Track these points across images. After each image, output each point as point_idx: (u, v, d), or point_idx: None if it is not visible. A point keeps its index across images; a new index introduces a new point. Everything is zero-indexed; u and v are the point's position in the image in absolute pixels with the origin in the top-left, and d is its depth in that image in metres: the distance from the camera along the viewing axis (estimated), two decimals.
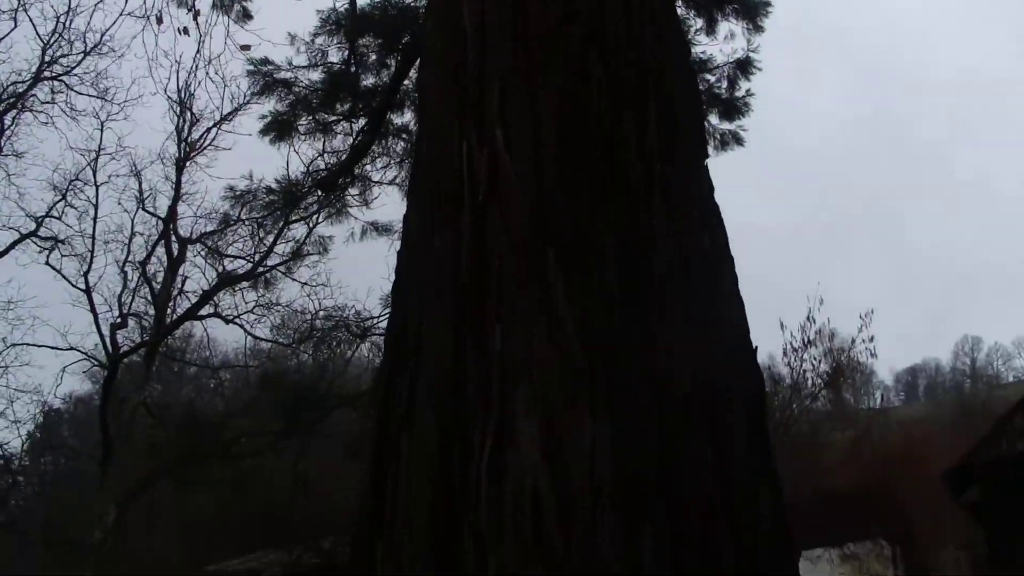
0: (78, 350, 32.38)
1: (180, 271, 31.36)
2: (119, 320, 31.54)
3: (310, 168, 19.91)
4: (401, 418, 6.61)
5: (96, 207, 33.00)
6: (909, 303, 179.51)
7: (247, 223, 23.53)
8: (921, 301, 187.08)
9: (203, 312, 31.98)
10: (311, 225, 27.23)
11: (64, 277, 32.15)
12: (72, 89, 35.70)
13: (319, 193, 19.77)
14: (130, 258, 32.37)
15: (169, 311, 31.17)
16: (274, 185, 20.00)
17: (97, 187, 33.48)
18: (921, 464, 41.12)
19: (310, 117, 19.97)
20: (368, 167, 20.79)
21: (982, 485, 33.52)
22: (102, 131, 40.10)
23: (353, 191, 21.28)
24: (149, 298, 31.46)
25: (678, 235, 6.70)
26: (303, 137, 19.89)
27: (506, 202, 6.69)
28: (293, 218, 22.57)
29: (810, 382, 25.26)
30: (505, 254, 6.51)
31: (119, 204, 37.17)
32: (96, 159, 34.60)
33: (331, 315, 26.51)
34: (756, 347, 7.10)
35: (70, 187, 33.50)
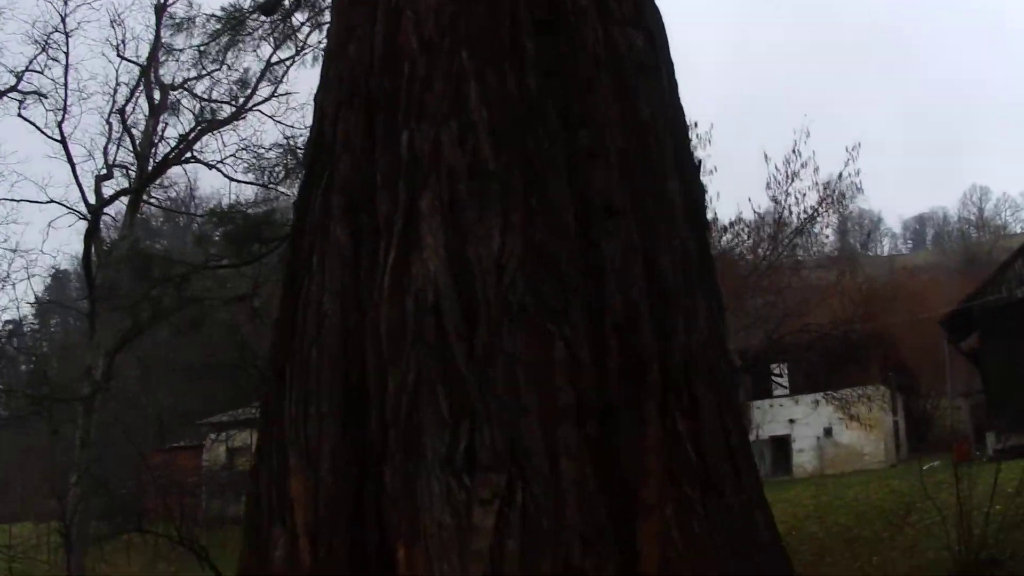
0: (59, 203, 31.82)
1: (161, 118, 30.80)
2: (104, 172, 31.13)
3: None
4: (314, 230, 6.17)
5: (67, 55, 32.15)
6: (918, 150, 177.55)
7: (199, 50, 22.60)
8: (930, 148, 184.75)
9: (185, 158, 31.71)
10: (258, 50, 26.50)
11: (39, 128, 31.42)
12: None
13: (263, 18, 18.94)
14: (115, 108, 31.89)
15: (152, 159, 30.72)
16: (218, 12, 19.18)
17: (67, 34, 32.58)
18: (922, 310, 40.92)
19: None
20: None
21: (981, 331, 33.38)
22: None
23: (300, 16, 20.47)
24: (130, 147, 31.05)
25: (607, 32, 6.13)
26: None
27: (419, 1, 6.14)
28: (240, 45, 21.59)
29: (795, 216, 24.64)
30: (417, 56, 5.97)
31: (102, 55, 35.96)
32: (66, 3, 33.63)
33: (279, 144, 25.98)
34: (700, 161, 6.61)
35: (49, 39, 32.52)
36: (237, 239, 18.08)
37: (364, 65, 6.26)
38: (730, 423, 5.89)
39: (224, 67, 26.20)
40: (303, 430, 5.73)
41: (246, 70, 28.06)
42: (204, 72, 27.59)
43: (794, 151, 25.35)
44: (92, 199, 29.80)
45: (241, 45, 19.60)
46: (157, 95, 30.40)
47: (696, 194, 6.50)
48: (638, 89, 6.14)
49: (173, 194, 37.09)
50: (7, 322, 44.74)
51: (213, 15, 19.12)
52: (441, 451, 5.06)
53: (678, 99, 6.62)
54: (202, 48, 20.40)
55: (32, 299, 43.54)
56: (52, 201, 31.11)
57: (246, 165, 29.22)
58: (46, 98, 31.46)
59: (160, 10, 29.40)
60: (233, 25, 18.56)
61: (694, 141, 24.07)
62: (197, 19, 20.18)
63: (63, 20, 32.02)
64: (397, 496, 5.26)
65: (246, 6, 18.99)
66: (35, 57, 31.95)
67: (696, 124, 25.09)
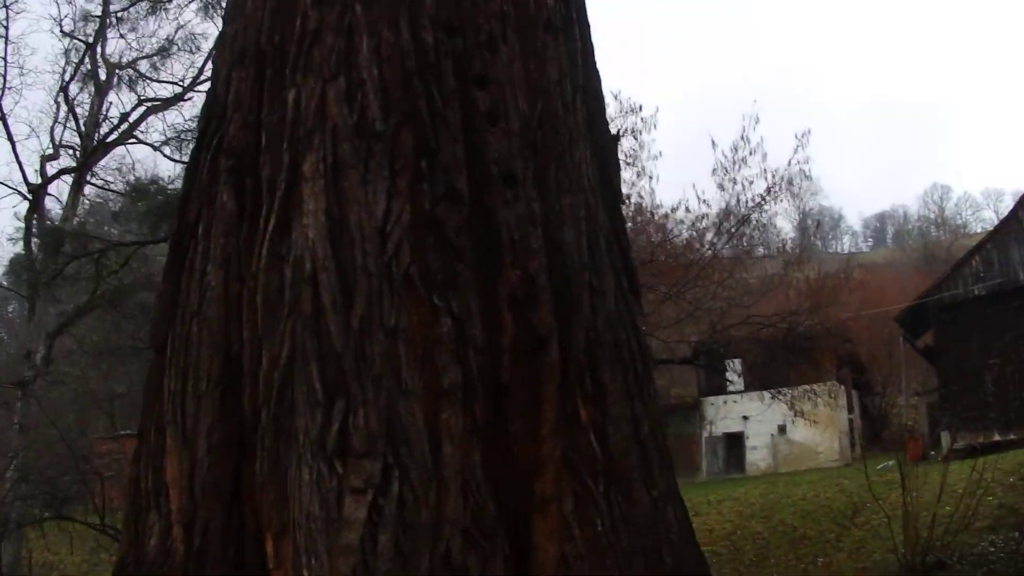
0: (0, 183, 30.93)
1: (107, 97, 30.04)
2: (50, 151, 30.27)
3: None
4: (201, 195, 5.73)
5: (7, 28, 31.20)
6: (881, 148, 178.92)
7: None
8: (893, 146, 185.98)
9: (127, 139, 30.84)
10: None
11: None
12: None
13: None
14: (62, 86, 30.95)
15: (96, 139, 29.84)
16: None
17: (7, 5, 31.63)
18: (878, 306, 40.80)
19: None
20: None
21: (936, 328, 33.31)
22: None
23: None
24: (74, 127, 30.12)
25: None
26: None
27: None
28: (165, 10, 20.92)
29: (742, 205, 24.08)
30: (308, 8, 5.52)
31: (51, 32, 34.78)
32: None
33: None
34: (617, 135, 6.18)
35: (8, 15, 31.57)
36: (155, 216, 17.52)
37: (258, 20, 5.80)
38: (640, 411, 5.44)
39: (173, 45, 25.62)
40: (180, 408, 5.31)
41: (165, 38, 27.45)
42: (152, 53, 26.90)
43: (742, 137, 24.94)
44: (37, 179, 29.05)
45: (164, 14, 19.00)
46: (104, 74, 29.62)
47: (610, 165, 6.06)
48: (546, 49, 5.69)
49: (132, 178, 36.36)
50: None
51: None
52: (312, 434, 4.60)
53: (594, 63, 6.19)
54: (119, 15, 19.76)
55: None
56: None
57: (183, 144, 28.55)
58: (4, 75, 30.65)
59: None
60: None
61: (638, 125, 23.66)
62: None
63: None
64: (266, 482, 4.83)
65: None
66: None
67: (641, 108, 24.75)
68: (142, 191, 20.23)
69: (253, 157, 5.50)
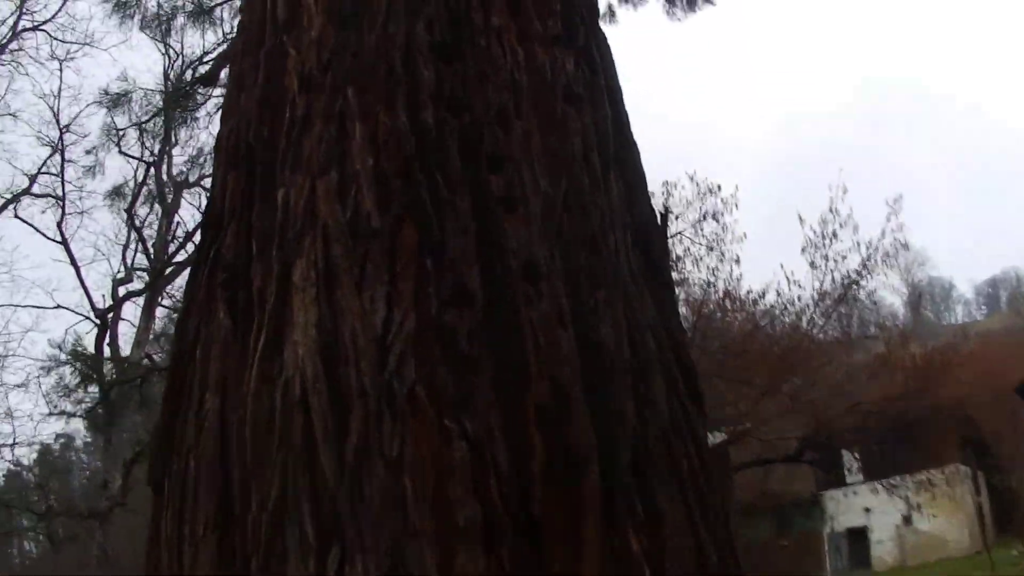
0: (67, 308, 31.22)
1: (175, 217, 30.22)
2: (122, 275, 30.38)
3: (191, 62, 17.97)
4: (200, 314, 5.14)
5: (63, 152, 31.92)
6: (985, 211, 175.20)
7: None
8: (997, 208, 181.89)
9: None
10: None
11: (35, 228, 31.43)
12: (56, 38, 34.18)
13: (203, 90, 17.99)
14: (134, 209, 31.30)
15: (167, 260, 29.91)
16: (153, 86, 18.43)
17: (61, 131, 32.29)
18: (995, 377, 38.72)
19: None
20: None
21: None
22: (61, 71, 38.25)
23: None
24: (139, 248, 30.36)
25: (528, 54, 5.07)
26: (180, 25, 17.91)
27: (302, 33, 5.22)
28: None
29: (839, 283, 22.75)
30: (297, 96, 4.96)
31: (121, 154, 35.49)
32: (58, 100, 33.64)
33: None
34: (665, 213, 5.54)
35: (62, 139, 32.36)
36: None
37: (247, 115, 5.28)
38: (705, 537, 4.55)
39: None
40: (177, 555, 4.58)
41: (200, 150, 27.41)
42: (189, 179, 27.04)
43: (831, 210, 24.05)
44: (106, 303, 29.11)
45: (194, 123, 18.78)
46: (170, 193, 29.88)
47: (655, 247, 5.30)
48: (567, 120, 5.00)
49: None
50: (58, 435, 44.99)
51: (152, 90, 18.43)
52: None
53: (628, 133, 5.48)
54: (143, 125, 19.65)
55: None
56: (60, 307, 30.57)
57: None
58: (63, 199, 31.18)
59: (168, 104, 28.72)
60: (176, 99, 17.74)
61: (718, 207, 22.80)
62: (133, 95, 19.28)
63: (55, 115, 31.85)
64: None
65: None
66: (47, 159, 31.86)
67: (720, 188, 24.09)
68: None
69: (246, 267, 4.91)
